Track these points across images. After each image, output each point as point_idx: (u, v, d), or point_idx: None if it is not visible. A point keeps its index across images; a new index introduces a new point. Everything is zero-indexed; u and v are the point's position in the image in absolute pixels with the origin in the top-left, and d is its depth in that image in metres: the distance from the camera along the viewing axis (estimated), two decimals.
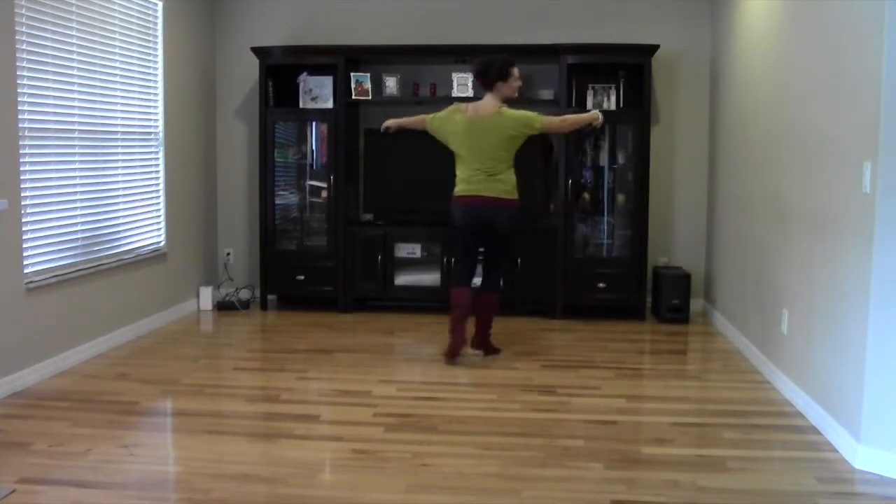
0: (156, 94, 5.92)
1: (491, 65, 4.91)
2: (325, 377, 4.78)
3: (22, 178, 4.44)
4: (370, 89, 6.41)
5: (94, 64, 5.12)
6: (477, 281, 5.13)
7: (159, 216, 6.00)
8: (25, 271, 4.49)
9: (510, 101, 4.97)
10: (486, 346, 5.16)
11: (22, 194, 4.45)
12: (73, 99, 4.92)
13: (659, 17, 6.48)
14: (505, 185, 4.88)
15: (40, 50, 4.58)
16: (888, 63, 3.24)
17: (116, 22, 5.36)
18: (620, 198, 6.37)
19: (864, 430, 3.41)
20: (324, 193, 6.56)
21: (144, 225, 5.80)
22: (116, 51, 5.37)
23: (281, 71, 6.53)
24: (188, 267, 6.46)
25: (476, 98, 6.33)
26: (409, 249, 6.38)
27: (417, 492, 3.18)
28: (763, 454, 3.59)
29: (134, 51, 5.59)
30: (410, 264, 6.38)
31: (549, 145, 6.37)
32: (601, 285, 6.25)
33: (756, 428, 3.92)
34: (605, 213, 6.47)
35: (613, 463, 3.46)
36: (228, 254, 7.00)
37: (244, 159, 6.91)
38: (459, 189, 4.95)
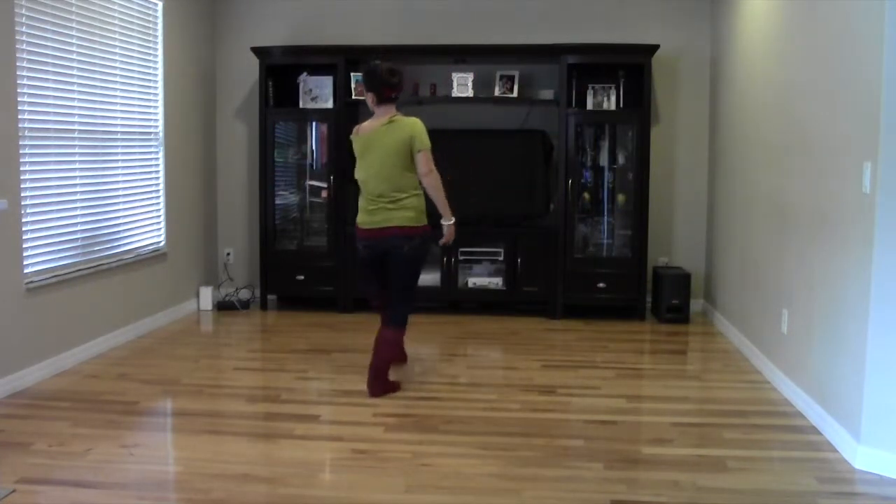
0: (156, 95, 5.92)
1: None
2: (325, 377, 4.77)
3: (22, 178, 4.44)
4: None
5: (94, 64, 5.12)
6: None
7: (159, 216, 6.00)
8: (25, 271, 4.49)
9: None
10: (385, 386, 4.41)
11: (22, 194, 4.45)
12: (73, 99, 4.92)
13: (659, 17, 6.48)
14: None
15: (40, 50, 4.58)
16: (888, 63, 3.24)
17: (116, 22, 5.36)
18: (620, 198, 6.37)
19: (864, 430, 3.41)
20: (324, 193, 6.56)
21: (144, 225, 5.80)
22: (116, 51, 5.37)
23: (281, 71, 6.53)
24: (188, 267, 6.46)
25: (470, 99, 6.40)
26: None
27: (417, 492, 3.18)
28: (763, 454, 3.59)
29: (134, 51, 5.59)
30: None
31: (550, 145, 6.37)
32: (601, 285, 6.25)
33: (756, 428, 3.92)
34: (605, 213, 6.47)
35: (613, 463, 3.46)
36: (228, 254, 7.00)
37: (244, 159, 6.91)
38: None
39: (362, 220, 4.39)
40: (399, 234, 4.28)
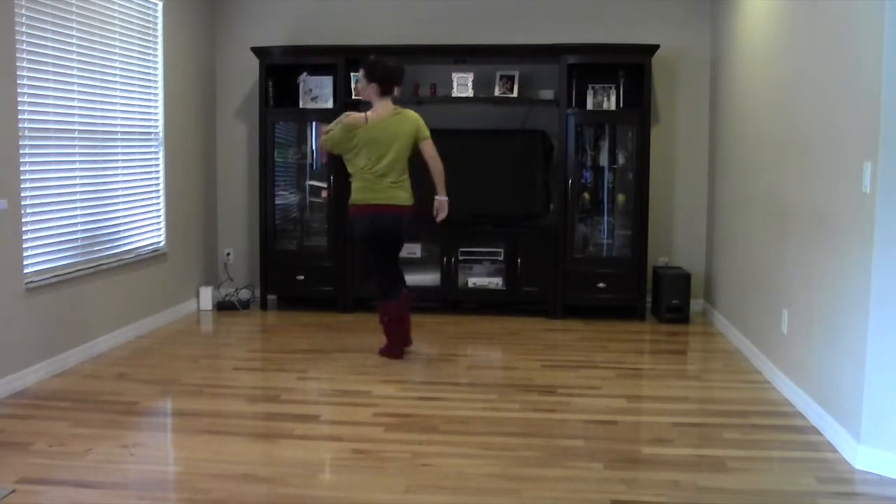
0: (156, 94, 5.92)
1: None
2: (325, 377, 4.77)
3: (22, 178, 4.44)
4: None
5: (94, 64, 5.12)
6: None
7: (159, 216, 6.00)
8: (25, 271, 4.49)
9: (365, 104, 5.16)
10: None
11: (22, 194, 4.45)
12: (73, 99, 4.92)
13: (659, 17, 6.48)
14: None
15: (40, 50, 4.58)
16: (888, 63, 3.24)
17: (116, 22, 5.36)
18: (620, 198, 6.37)
19: (864, 430, 3.41)
20: (324, 193, 6.56)
21: (144, 225, 5.80)
22: (116, 51, 5.37)
23: (281, 71, 6.53)
24: (188, 267, 6.46)
25: (477, 99, 6.41)
26: (408, 249, 6.35)
27: (417, 492, 3.18)
28: (763, 454, 3.59)
29: (134, 51, 5.59)
30: (410, 264, 6.35)
31: (550, 145, 6.37)
32: (601, 285, 6.25)
33: (756, 428, 3.92)
34: (605, 213, 6.47)
35: (613, 463, 3.46)
36: (228, 254, 7.00)
37: (244, 159, 6.91)
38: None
39: (363, 197, 4.86)
40: (398, 212, 4.89)
